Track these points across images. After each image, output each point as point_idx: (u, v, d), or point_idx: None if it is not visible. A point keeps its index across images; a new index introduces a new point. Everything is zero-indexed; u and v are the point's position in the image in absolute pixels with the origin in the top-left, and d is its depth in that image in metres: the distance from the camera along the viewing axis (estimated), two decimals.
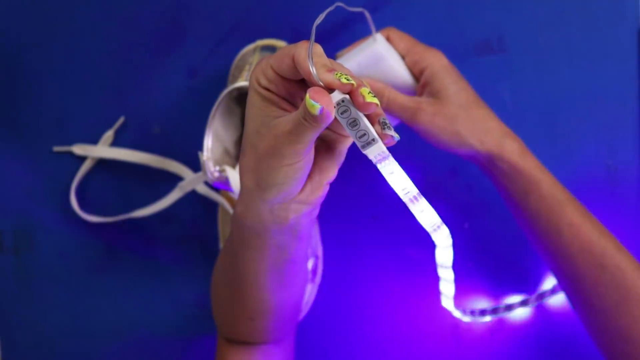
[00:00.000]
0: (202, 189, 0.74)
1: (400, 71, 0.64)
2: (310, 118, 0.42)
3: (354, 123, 0.43)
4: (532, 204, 0.60)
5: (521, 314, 0.74)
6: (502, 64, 0.73)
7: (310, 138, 0.43)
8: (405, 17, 0.74)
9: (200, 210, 0.75)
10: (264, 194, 0.46)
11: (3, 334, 0.76)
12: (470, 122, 0.59)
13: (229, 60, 0.74)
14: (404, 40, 0.63)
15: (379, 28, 0.65)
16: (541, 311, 0.74)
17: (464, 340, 0.75)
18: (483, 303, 0.75)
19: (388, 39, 0.63)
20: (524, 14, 0.75)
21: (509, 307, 0.73)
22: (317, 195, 0.49)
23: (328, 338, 0.75)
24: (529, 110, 0.75)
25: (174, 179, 0.74)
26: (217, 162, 0.66)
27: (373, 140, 0.44)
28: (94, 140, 0.75)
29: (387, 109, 0.61)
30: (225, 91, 0.65)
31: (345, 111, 0.43)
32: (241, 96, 0.67)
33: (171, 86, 0.76)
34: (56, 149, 0.75)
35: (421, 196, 0.46)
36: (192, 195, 0.75)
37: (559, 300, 0.73)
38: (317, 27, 0.43)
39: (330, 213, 0.75)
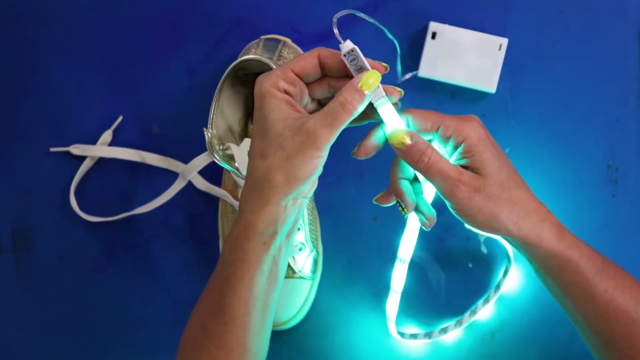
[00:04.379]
0: (202, 185, 0.74)
1: None
2: (358, 94, 0.52)
3: (360, 70, 0.53)
4: (567, 279, 0.57)
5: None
6: (503, 64, 0.73)
7: (344, 125, 0.52)
8: (404, 16, 0.74)
9: (200, 209, 0.75)
10: (291, 187, 0.53)
11: (2, 333, 0.76)
12: (510, 205, 0.55)
13: (228, 60, 0.74)
14: (429, 116, 0.56)
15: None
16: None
17: (462, 342, 0.75)
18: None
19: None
20: (524, 14, 0.75)
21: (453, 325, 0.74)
22: (313, 188, 0.57)
23: (327, 338, 0.75)
24: (529, 110, 0.75)
25: (173, 178, 0.74)
26: (220, 140, 0.67)
27: (382, 97, 0.53)
28: (93, 139, 0.75)
29: (427, 171, 0.54)
30: (233, 64, 0.66)
31: (353, 59, 0.53)
32: (245, 77, 0.69)
33: (170, 85, 0.76)
34: (53, 149, 0.75)
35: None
36: (192, 194, 0.74)
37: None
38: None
39: (330, 213, 0.75)
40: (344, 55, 0.53)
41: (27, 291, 0.76)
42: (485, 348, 0.75)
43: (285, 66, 0.54)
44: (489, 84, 0.73)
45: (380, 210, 0.75)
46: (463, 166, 0.55)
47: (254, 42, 0.72)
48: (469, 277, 0.75)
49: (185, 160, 0.74)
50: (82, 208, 0.75)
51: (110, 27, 0.75)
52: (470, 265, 0.75)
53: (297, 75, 0.55)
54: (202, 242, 0.75)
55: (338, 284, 0.75)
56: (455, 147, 0.55)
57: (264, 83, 0.54)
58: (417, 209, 0.58)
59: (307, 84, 0.56)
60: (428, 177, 0.55)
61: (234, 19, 0.75)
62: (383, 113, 0.54)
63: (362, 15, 0.56)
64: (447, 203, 0.55)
